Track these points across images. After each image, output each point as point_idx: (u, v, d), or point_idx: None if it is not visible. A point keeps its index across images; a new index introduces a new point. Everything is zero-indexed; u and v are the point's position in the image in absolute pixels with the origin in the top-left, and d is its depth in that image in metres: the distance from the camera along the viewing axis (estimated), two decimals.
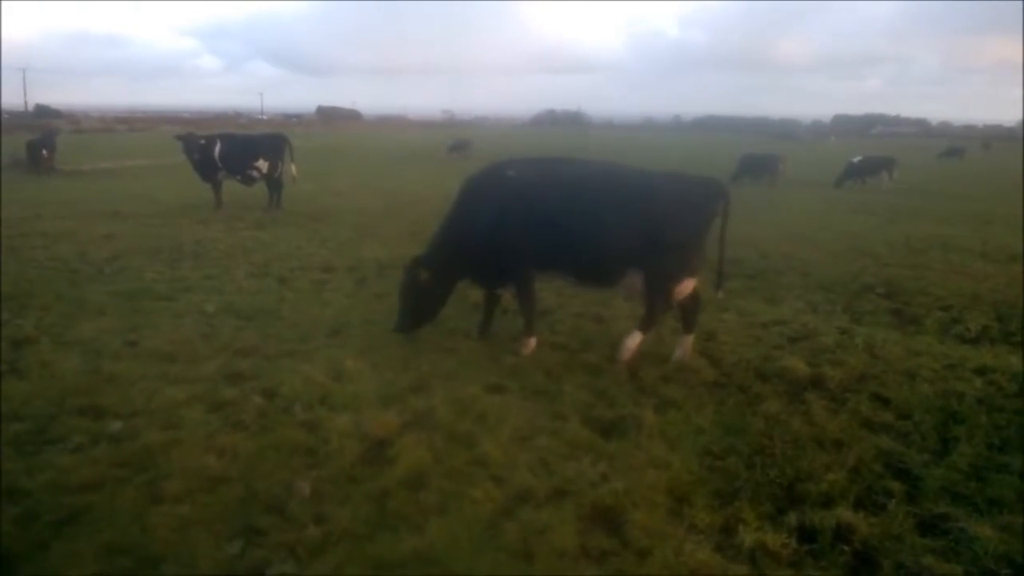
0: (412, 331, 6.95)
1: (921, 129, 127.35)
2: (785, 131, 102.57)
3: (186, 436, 4.77)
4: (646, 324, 6.54)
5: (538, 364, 6.42)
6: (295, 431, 4.91)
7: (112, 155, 33.84)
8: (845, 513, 3.98)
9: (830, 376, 6.18)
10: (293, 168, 16.94)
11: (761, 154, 31.06)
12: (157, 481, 4.22)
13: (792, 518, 3.98)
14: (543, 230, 6.46)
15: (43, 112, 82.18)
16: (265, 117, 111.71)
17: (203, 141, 16.54)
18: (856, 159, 29.16)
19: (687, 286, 6.54)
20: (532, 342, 6.80)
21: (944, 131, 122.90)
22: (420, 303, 6.90)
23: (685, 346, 6.66)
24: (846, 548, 3.74)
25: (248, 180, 16.67)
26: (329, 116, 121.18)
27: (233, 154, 16.34)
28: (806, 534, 3.87)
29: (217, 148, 16.27)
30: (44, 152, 25.15)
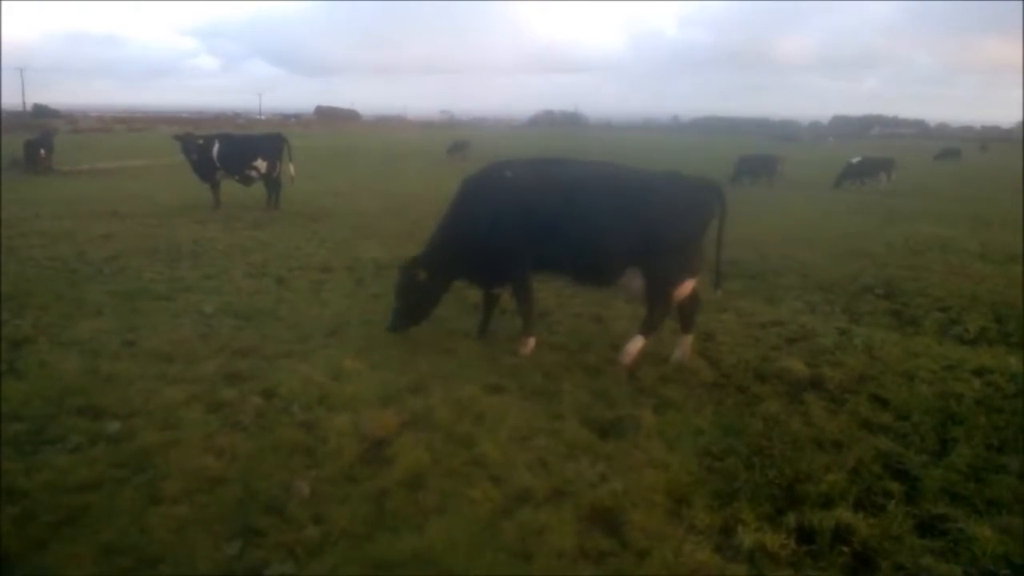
0: (406, 330, 6.95)
1: (919, 130, 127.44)
2: (784, 132, 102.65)
3: (184, 436, 4.76)
4: (647, 328, 6.54)
5: (537, 364, 6.42)
6: (294, 431, 4.90)
7: (110, 155, 33.82)
8: (844, 514, 3.97)
9: (829, 377, 6.18)
10: (291, 168, 16.93)
11: (760, 155, 31.11)
12: (155, 481, 4.21)
13: (791, 519, 3.98)
14: (541, 231, 6.46)
15: (41, 112, 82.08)
16: (263, 117, 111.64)
17: (201, 141, 16.55)
18: (855, 160, 29.21)
19: (686, 287, 6.54)
20: (531, 342, 6.80)
21: (942, 132, 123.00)
22: (415, 303, 6.90)
23: (684, 347, 6.66)
24: (845, 549, 3.74)
25: (246, 180, 16.67)
26: (328, 116, 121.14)
27: (231, 154, 16.35)
28: (805, 535, 3.86)
29: (215, 148, 16.27)
30: (42, 152, 25.15)
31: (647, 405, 5.53)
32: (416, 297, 6.86)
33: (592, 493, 4.22)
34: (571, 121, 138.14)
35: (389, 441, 4.79)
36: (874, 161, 29.23)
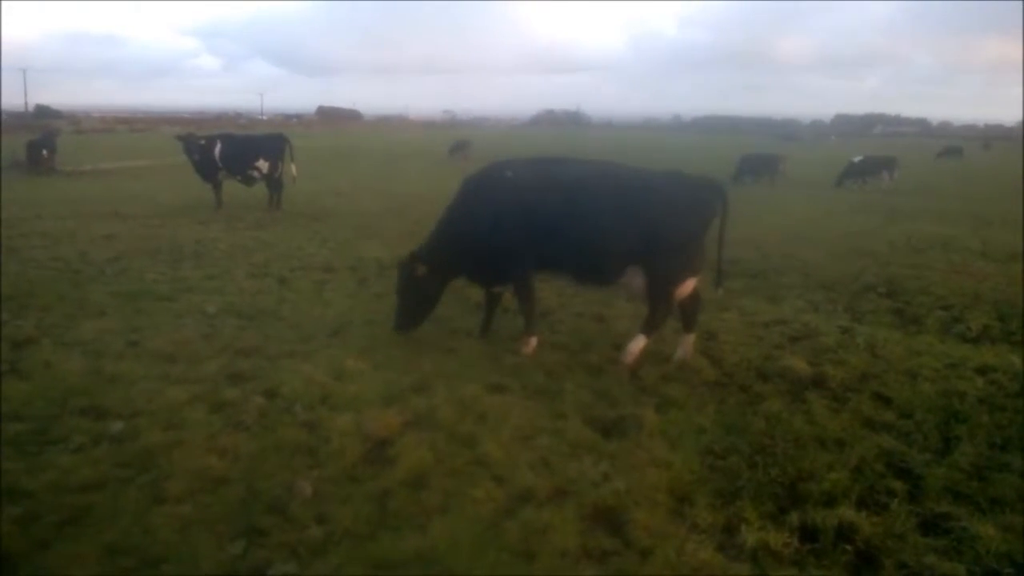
0: (411, 329, 6.95)
1: (922, 129, 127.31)
2: (786, 131, 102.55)
3: (188, 436, 4.76)
4: (649, 328, 6.53)
5: (539, 364, 6.42)
6: (296, 431, 4.91)
7: (112, 155, 33.85)
8: (847, 512, 3.97)
9: (831, 375, 6.17)
10: (293, 168, 16.95)
11: (761, 154, 31.09)
12: (159, 481, 4.22)
13: (794, 517, 3.97)
14: (541, 230, 6.46)
15: (43, 112, 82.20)
16: (265, 117, 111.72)
17: (203, 141, 16.57)
18: (857, 159, 29.17)
19: (687, 286, 6.53)
20: (533, 341, 6.80)
21: (945, 131, 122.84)
22: (416, 299, 6.90)
23: (686, 345, 6.66)
24: (848, 547, 3.73)
25: (248, 180, 16.69)
26: (329, 116, 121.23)
27: (233, 154, 16.37)
28: (808, 533, 3.86)
29: (217, 148, 16.30)
30: (44, 152, 25.18)
31: (649, 404, 5.53)
32: (417, 293, 6.86)
33: (595, 492, 4.22)
34: (573, 121, 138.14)
35: (392, 441, 4.79)
36: (876, 160, 29.19)
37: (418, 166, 33.06)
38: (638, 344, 6.48)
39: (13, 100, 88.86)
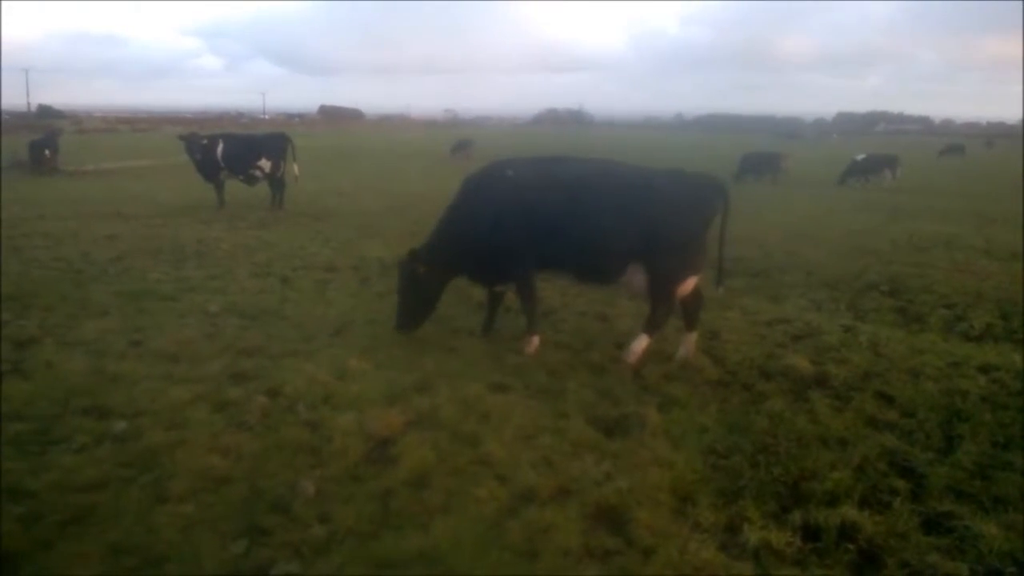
0: (413, 329, 6.95)
1: (924, 127, 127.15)
2: (788, 129, 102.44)
3: (190, 436, 4.77)
4: (651, 327, 6.52)
5: (542, 363, 6.42)
6: (299, 430, 4.91)
7: (115, 155, 33.90)
8: (850, 511, 3.96)
9: (834, 374, 6.17)
10: (295, 168, 16.94)
11: (764, 152, 31.06)
12: (162, 481, 4.22)
13: (797, 516, 3.97)
14: (543, 229, 6.45)
15: (46, 112, 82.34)
16: (267, 117, 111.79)
17: (205, 141, 16.58)
18: (859, 157, 29.13)
19: (689, 285, 6.52)
20: (535, 341, 6.80)
21: (947, 128, 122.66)
22: (417, 298, 6.90)
23: (688, 344, 6.66)
24: (851, 546, 3.73)
25: (251, 180, 16.70)
26: (331, 116, 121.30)
27: (236, 154, 16.39)
28: (811, 532, 3.86)
29: (220, 148, 16.31)
30: (47, 152, 25.21)
31: (652, 403, 5.53)
32: (417, 292, 6.86)
33: (597, 491, 4.22)
34: (575, 120, 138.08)
35: (394, 440, 4.79)
36: (878, 158, 29.14)
37: (420, 165, 33.07)
38: (641, 343, 6.48)
39: (16, 100, 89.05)
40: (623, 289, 6.99)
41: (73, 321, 7.30)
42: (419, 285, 6.83)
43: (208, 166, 16.47)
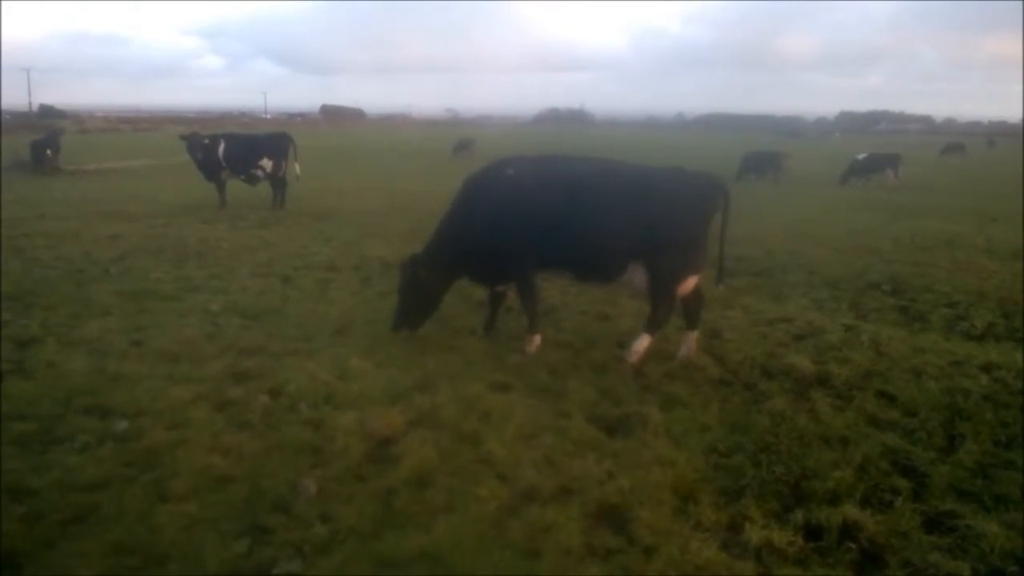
0: (410, 330, 6.95)
1: (926, 126, 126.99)
2: (789, 128, 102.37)
3: (192, 435, 4.77)
4: (652, 326, 6.52)
5: (543, 362, 6.42)
6: (301, 430, 4.92)
7: (116, 155, 33.92)
8: (852, 510, 3.96)
9: (836, 373, 6.16)
10: (296, 167, 16.94)
11: (765, 151, 31.04)
12: (163, 480, 4.23)
13: (798, 516, 3.97)
14: (543, 228, 6.45)
15: (47, 112, 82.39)
16: (269, 116, 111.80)
17: (207, 141, 16.58)
18: (861, 156, 29.09)
19: (689, 284, 6.52)
20: (536, 340, 6.80)
21: (949, 127, 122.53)
22: (418, 301, 6.90)
23: (689, 343, 6.66)
24: (853, 546, 3.73)
25: (252, 179, 16.70)
26: (333, 115, 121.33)
27: (237, 154, 16.39)
28: (812, 532, 3.86)
29: (221, 148, 16.31)
30: (48, 152, 25.23)
31: (653, 402, 5.53)
32: (418, 295, 6.86)
33: (599, 490, 4.22)
34: (576, 119, 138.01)
35: (396, 439, 4.79)
36: (880, 157, 29.08)
37: (421, 165, 33.04)
38: (642, 343, 6.48)
39: (17, 100, 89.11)
40: (624, 288, 6.98)
41: (75, 321, 7.31)
42: (421, 289, 6.83)
43: (210, 166, 16.48)
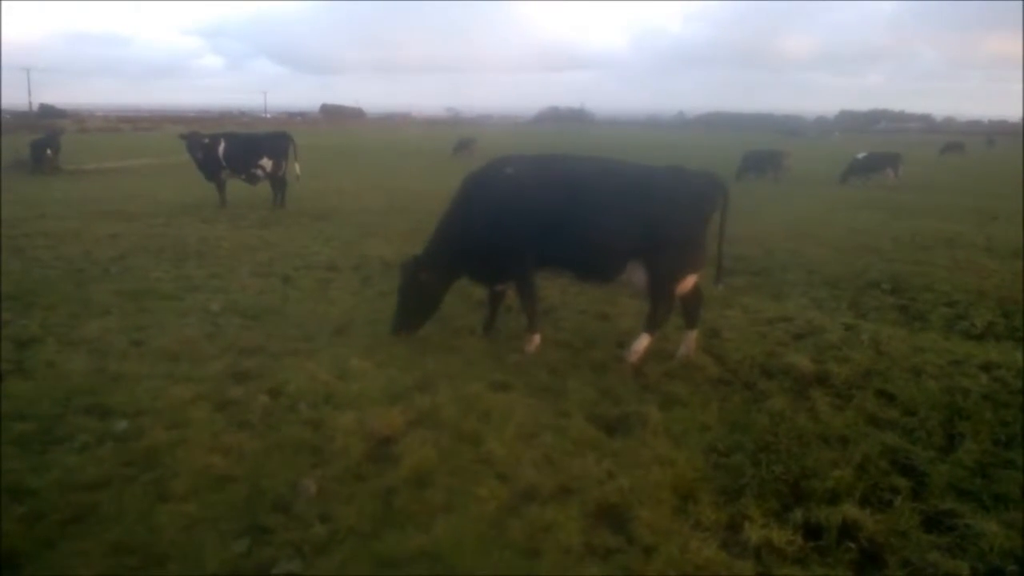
0: (410, 332, 6.95)
1: (926, 125, 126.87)
2: (789, 127, 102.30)
3: (192, 435, 4.78)
4: (652, 325, 6.52)
5: (543, 362, 6.43)
6: (300, 430, 4.92)
7: (116, 155, 33.91)
8: (851, 510, 3.96)
9: (835, 372, 6.16)
10: (296, 167, 16.94)
11: (765, 151, 31.02)
12: (163, 480, 4.23)
13: (798, 515, 3.97)
14: (542, 227, 6.45)
15: (47, 112, 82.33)
16: (269, 116, 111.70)
17: (207, 140, 16.58)
18: (861, 155, 29.06)
19: (688, 283, 6.52)
20: (536, 339, 6.80)
21: (949, 126, 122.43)
22: (418, 303, 6.90)
23: (689, 342, 6.66)
24: (852, 545, 3.73)
25: (252, 179, 16.70)
26: (333, 114, 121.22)
27: (237, 153, 16.39)
28: (812, 531, 3.86)
29: (221, 147, 16.31)
30: (48, 152, 25.22)
31: (653, 402, 5.53)
32: (419, 297, 6.86)
33: (599, 490, 4.22)
34: (576, 118, 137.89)
35: (396, 439, 4.80)
36: (880, 156, 29.05)
37: (422, 164, 33.03)
38: (642, 342, 6.48)
39: (17, 100, 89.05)
40: (624, 287, 6.98)
41: (75, 320, 7.31)
42: (421, 290, 6.83)
43: (210, 165, 16.48)
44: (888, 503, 4.12)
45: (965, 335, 7.50)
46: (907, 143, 55.51)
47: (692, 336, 6.70)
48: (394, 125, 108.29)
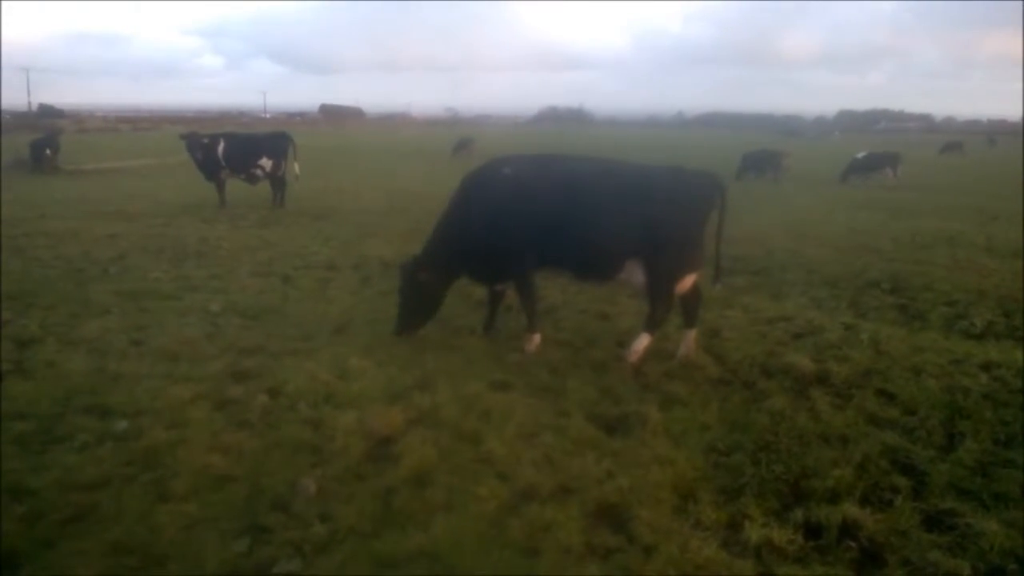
0: (412, 332, 6.94)
1: (926, 124, 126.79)
2: (789, 127, 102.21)
3: (191, 435, 4.77)
4: (651, 325, 6.51)
5: (543, 361, 6.43)
6: (300, 429, 4.92)
7: (116, 155, 33.87)
8: (851, 509, 3.97)
9: (835, 372, 6.16)
10: (296, 167, 16.94)
11: (765, 150, 31.01)
12: (163, 480, 4.23)
13: (798, 514, 3.97)
14: (541, 227, 6.45)
15: (47, 112, 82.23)
16: (268, 116, 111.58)
17: (206, 140, 16.58)
18: (860, 155, 29.04)
19: (687, 282, 6.52)
20: (536, 339, 6.80)
21: (949, 126, 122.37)
22: (419, 303, 6.90)
23: (688, 342, 6.65)
24: (852, 544, 3.74)
25: (252, 179, 16.70)
26: (332, 114, 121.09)
27: (237, 153, 16.39)
28: (812, 530, 3.86)
29: (221, 147, 16.30)
30: (48, 152, 25.21)
31: (653, 401, 5.53)
32: (419, 297, 6.86)
33: (598, 489, 4.22)
34: (576, 118, 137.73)
35: (395, 439, 4.80)
36: (879, 156, 29.02)
37: (421, 164, 32.99)
38: (642, 343, 6.47)
39: (17, 100, 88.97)
40: (623, 287, 6.98)
41: (74, 320, 7.31)
42: (421, 291, 6.82)
43: (209, 165, 16.47)
44: (888, 502, 4.12)
45: (965, 334, 7.49)
46: (907, 143, 55.47)
47: (692, 336, 6.69)
48: (393, 125, 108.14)
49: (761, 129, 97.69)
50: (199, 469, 4.34)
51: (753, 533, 3.79)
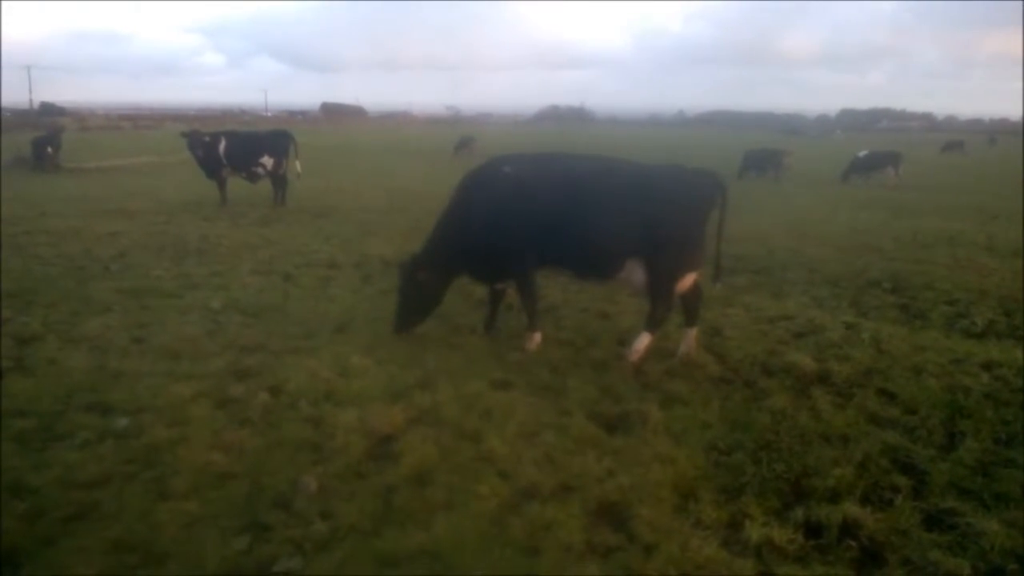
0: (411, 330, 6.94)
1: (927, 123, 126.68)
2: (790, 126, 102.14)
3: (193, 432, 4.78)
4: (652, 324, 6.51)
5: (543, 360, 6.42)
6: (301, 427, 4.92)
7: (117, 153, 33.86)
8: (852, 508, 3.97)
9: (836, 371, 6.16)
10: (297, 165, 16.93)
11: (766, 149, 30.99)
12: (164, 477, 4.23)
13: (799, 513, 3.97)
14: (541, 226, 6.44)
15: (48, 110, 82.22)
16: (269, 114, 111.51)
17: (208, 139, 16.58)
18: (861, 154, 29.01)
19: (688, 281, 6.52)
20: (537, 337, 6.80)
21: (950, 125, 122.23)
22: (418, 301, 6.90)
23: (689, 341, 6.65)
24: (853, 543, 3.74)
25: (253, 177, 16.70)
26: (333, 113, 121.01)
27: (238, 151, 16.38)
28: (813, 529, 3.86)
29: (222, 145, 16.30)
30: (49, 150, 25.22)
31: (654, 400, 5.53)
32: (418, 295, 6.86)
33: (599, 488, 4.22)
34: (577, 117, 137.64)
35: (396, 437, 4.80)
36: (881, 155, 29.00)
37: (422, 162, 32.99)
38: (643, 342, 6.47)
39: (18, 98, 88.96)
40: (623, 286, 6.98)
41: (75, 318, 7.32)
42: (420, 289, 6.82)
43: (210, 163, 16.47)
44: (889, 501, 4.12)
45: (966, 333, 7.49)
46: (908, 142, 55.45)
47: (692, 334, 6.69)
48: (394, 124, 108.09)
49: (763, 128, 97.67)
50: (200, 467, 4.35)
51: (754, 532, 3.79)
